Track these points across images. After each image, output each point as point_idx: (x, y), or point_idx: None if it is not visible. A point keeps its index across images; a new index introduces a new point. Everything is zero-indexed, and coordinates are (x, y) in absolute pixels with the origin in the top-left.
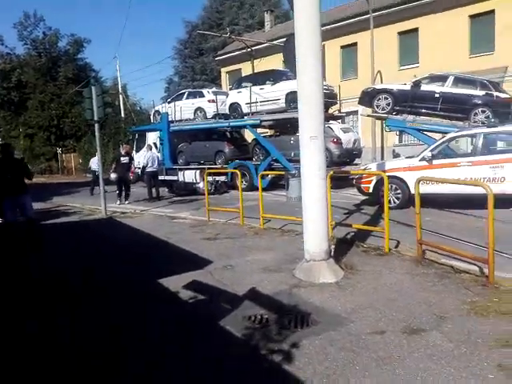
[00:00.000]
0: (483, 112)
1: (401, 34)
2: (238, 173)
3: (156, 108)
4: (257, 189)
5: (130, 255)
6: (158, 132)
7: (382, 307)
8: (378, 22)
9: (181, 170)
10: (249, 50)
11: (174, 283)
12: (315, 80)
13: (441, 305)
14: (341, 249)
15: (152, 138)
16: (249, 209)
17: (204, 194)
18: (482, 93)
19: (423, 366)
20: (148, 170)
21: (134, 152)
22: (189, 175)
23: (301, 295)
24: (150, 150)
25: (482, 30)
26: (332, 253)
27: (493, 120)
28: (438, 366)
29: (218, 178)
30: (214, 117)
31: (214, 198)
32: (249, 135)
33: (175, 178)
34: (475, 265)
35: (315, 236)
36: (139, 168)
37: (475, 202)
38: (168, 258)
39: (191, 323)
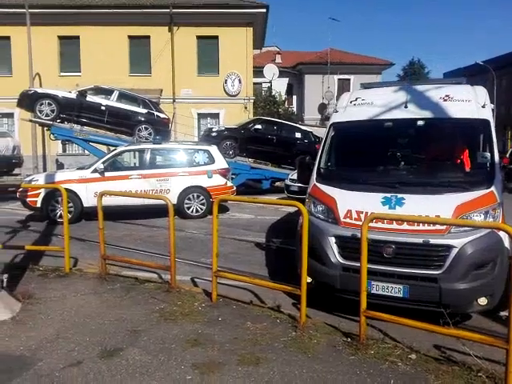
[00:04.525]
0: (146, 129)
1: (61, 38)
2: None
3: None
4: None
5: None
6: None
7: (73, 335)
8: (37, 20)
9: None
10: None
11: None
12: None
13: (132, 318)
14: (13, 276)
15: None
16: None
17: None
18: (145, 111)
19: None
20: None
21: None
22: None
23: None
24: None
25: (140, 52)
26: (5, 283)
27: (158, 137)
28: (142, 382)
29: None
30: None
31: None
32: None
33: None
34: (155, 273)
35: None
36: None
37: (145, 212)
38: None
39: None
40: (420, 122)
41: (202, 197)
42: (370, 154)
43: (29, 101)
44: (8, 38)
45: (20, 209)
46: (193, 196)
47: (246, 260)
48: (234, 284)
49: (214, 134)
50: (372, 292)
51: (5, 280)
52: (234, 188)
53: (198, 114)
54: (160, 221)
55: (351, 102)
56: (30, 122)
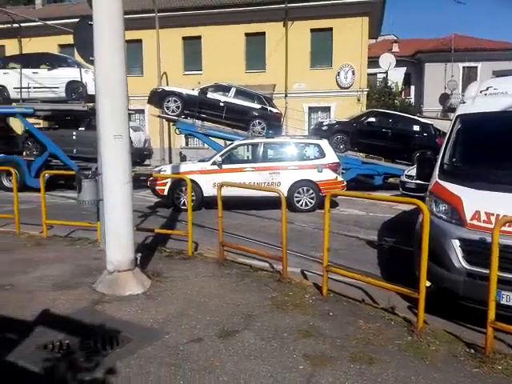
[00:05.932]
0: (260, 124)
1: (185, 39)
2: (12, 170)
3: None
4: (29, 189)
5: None
6: None
7: (195, 313)
8: (164, 23)
9: None
10: (16, 25)
11: None
12: (120, 69)
13: (247, 303)
14: (144, 255)
15: None
16: (24, 213)
17: None
18: (259, 106)
19: (243, 368)
20: None
21: None
22: None
23: (106, 311)
24: None
25: (255, 48)
26: (138, 261)
27: (270, 132)
28: (256, 365)
29: None
30: None
31: None
32: (17, 125)
33: None
34: (267, 262)
35: (120, 244)
36: None
37: (258, 204)
38: None
39: None
40: None
41: (311, 191)
42: (503, 150)
43: (157, 98)
44: (140, 41)
45: (150, 196)
46: (302, 190)
47: (356, 257)
48: (343, 280)
49: (324, 128)
50: (501, 302)
51: (138, 258)
52: (345, 183)
53: (309, 108)
54: (271, 212)
55: (481, 92)
56: (158, 118)
